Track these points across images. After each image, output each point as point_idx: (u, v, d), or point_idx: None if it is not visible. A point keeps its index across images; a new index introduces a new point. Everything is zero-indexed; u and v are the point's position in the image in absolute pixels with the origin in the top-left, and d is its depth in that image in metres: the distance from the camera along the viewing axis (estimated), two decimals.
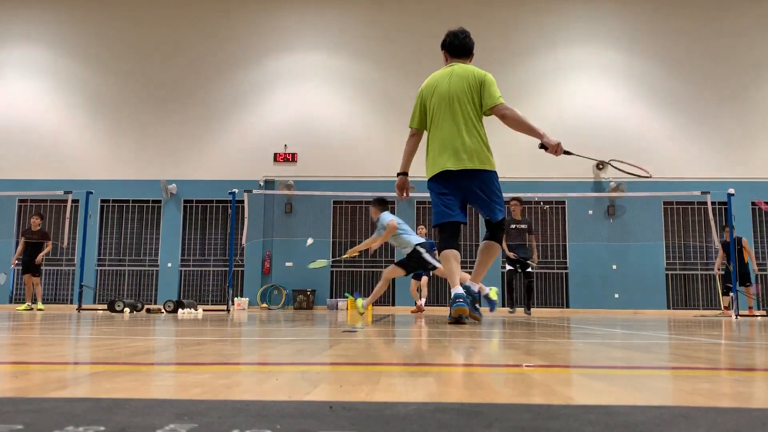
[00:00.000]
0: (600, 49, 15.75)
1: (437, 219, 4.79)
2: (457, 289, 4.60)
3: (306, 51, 16.08)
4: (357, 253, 8.35)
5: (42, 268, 12.30)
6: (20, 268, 12.04)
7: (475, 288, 5.06)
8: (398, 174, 5.12)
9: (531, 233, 10.98)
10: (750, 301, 12.12)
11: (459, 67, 5.17)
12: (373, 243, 8.01)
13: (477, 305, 5.00)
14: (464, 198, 4.77)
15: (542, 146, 4.76)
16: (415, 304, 12.36)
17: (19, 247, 11.80)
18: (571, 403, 1.04)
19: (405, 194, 5.14)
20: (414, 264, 7.74)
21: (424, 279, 12.28)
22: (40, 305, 11.53)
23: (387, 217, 7.78)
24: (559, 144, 4.68)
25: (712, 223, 10.45)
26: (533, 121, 4.81)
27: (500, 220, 4.82)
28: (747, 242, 12.57)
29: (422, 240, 7.86)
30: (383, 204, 7.98)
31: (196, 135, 15.78)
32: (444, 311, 13.90)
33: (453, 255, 4.73)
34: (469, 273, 5.48)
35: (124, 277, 15.34)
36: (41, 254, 11.62)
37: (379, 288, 7.79)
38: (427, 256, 7.53)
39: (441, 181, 4.74)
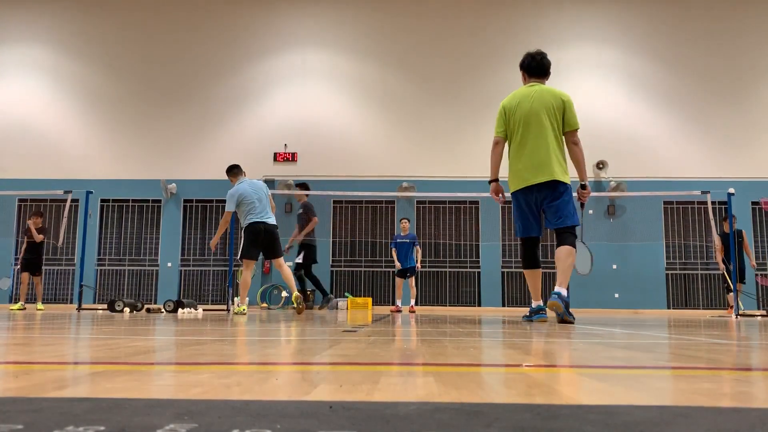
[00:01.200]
0: (600, 48, 15.75)
1: (520, 233, 5.46)
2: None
3: (306, 51, 16.08)
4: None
5: (43, 267, 12.32)
6: (18, 267, 12.07)
7: (564, 293, 5.21)
8: (490, 181, 5.59)
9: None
10: (731, 300, 10.95)
11: (541, 87, 5.59)
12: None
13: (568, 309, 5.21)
14: (540, 208, 5.33)
15: (583, 186, 5.52)
16: (394, 303, 12.62)
17: (23, 248, 11.85)
18: (571, 403, 1.04)
19: (501, 197, 5.65)
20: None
21: (411, 279, 12.36)
22: (39, 305, 11.50)
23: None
24: (589, 194, 5.62)
25: (712, 223, 10.45)
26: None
27: (568, 226, 5.28)
28: (746, 235, 12.37)
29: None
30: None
31: (196, 134, 15.78)
32: (442, 311, 13.91)
33: (531, 274, 5.48)
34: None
35: (124, 276, 15.34)
36: (33, 236, 11.57)
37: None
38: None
39: (524, 195, 5.28)
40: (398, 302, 12.52)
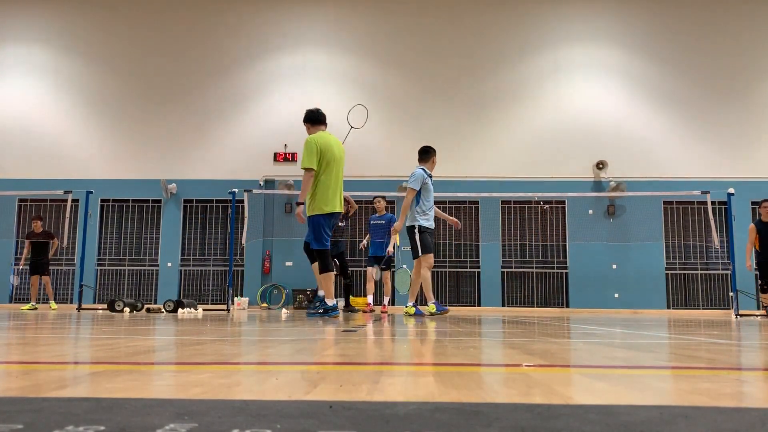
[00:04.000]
0: (600, 49, 15.74)
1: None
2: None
3: (306, 50, 16.08)
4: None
5: (50, 267, 12.41)
6: (27, 268, 12.14)
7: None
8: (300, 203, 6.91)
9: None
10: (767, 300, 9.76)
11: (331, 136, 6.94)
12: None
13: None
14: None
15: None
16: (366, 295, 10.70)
17: (25, 250, 11.87)
18: (571, 403, 1.04)
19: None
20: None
21: (387, 273, 10.48)
22: (53, 305, 11.62)
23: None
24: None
25: (712, 223, 10.44)
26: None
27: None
28: None
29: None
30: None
31: (196, 134, 15.78)
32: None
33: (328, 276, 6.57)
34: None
35: (124, 276, 15.34)
36: (52, 251, 11.76)
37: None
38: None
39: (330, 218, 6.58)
40: (369, 298, 10.49)
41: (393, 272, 10.05)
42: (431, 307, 7.46)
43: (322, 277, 6.53)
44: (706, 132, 15.34)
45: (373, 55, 16.00)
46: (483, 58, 15.62)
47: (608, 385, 1.32)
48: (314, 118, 6.86)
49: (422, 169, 7.67)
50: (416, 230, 7.59)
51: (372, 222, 10.65)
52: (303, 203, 6.47)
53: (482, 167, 15.05)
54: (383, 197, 10.88)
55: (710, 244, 14.01)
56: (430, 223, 7.65)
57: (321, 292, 6.77)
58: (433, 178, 8.06)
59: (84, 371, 1.57)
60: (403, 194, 15.18)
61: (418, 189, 7.45)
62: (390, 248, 10.20)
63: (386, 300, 10.47)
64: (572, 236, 14.75)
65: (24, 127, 15.82)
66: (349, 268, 10.83)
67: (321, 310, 6.47)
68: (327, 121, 6.93)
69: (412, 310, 7.69)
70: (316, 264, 6.69)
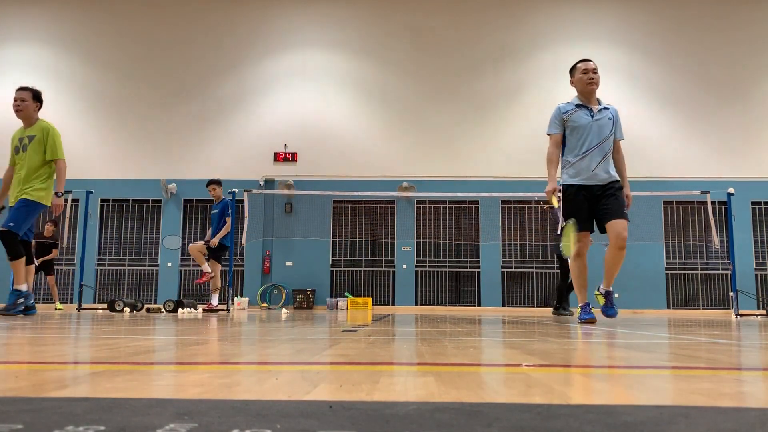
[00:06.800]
0: (600, 48, 15.74)
1: None
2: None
3: (306, 51, 16.08)
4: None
5: (57, 268, 12.44)
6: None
7: None
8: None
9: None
10: None
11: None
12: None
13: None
14: None
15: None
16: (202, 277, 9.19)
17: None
18: (571, 403, 1.04)
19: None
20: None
21: (215, 265, 9.24)
22: (58, 305, 11.62)
23: None
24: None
25: (712, 223, 10.45)
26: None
27: None
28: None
29: None
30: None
31: (196, 134, 15.78)
32: (441, 310, 13.91)
33: None
34: None
35: (124, 276, 15.34)
36: (43, 258, 11.70)
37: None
38: None
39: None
40: (213, 298, 9.30)
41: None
42: (578, 310, 5.87)
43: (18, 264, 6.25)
44: (706, 132, 15.34)
45: (373, 55, 16.00)
46: (483, 58, 15.61)
47: (608, 385, 1.32)
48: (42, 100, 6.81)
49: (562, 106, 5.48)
50: (558, 193, 5.63)
51: (214, 212, 9.59)
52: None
53: (482, 167, 15.05)
54: (218, 184, 9.62)
55: (710, 244, 14.02)
56: (579, 179, 5.50)
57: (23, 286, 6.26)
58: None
59: (84, 371, 1.57)
60: (404, 194, 15.25)
61: (555, 133, 5.44)
62: (214, 239, 9.05)
63: (214, 299, 9.26)
64: None
65: None
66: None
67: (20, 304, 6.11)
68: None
69: (602, 300, 6.06)
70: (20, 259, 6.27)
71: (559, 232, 5.80)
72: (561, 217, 5.71)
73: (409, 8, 16.12)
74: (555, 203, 5.62)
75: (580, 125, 5.32)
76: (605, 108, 5.43)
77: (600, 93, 5.55)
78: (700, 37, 15.69)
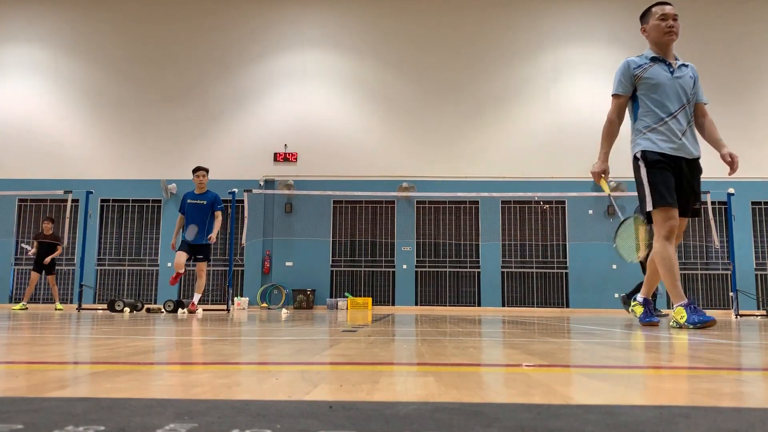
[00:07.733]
0: (600, 48, 15.74)
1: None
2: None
3: (306, 51, 16.08)
4: None
5: (57, 268, 12.44)
6: (29, 267, 12.18)
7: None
8: None
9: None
10: None
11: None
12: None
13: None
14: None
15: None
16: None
17: (33, 249, 11.90)
18: (571, 403, 1.04)
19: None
20: None
21: (203, 265, 9.03)
22: (58, 305, 11.60)
23: None
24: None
25: (711, 223, 10.45)
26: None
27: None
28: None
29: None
30: None
31: (196, 134, 15.78)
32: (441, 311, 13.91)
33: None
34: None
35: (124, 276, 15.34)
36: (50, 256, 11.69)
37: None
38: None
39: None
40: (196, 297, 8.82)
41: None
42: (678, 312, 4.61)
43: None
44: None
45: (373, 55, 16.00)
46: (483, 58, 15.61)
47: (608, 385, 1.32)
48: None
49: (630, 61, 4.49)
50: (640, 162, 4.42)
51: (189, 201, 8.81)
52: None
53: (482, 167, 15.05)
54: (205, 171, 8.83)
55: (710, 244, 14.02)
56: (665, 146, 4.34)
57: None
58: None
59: (84, 371, 1.57)
60: (404, 194, 15.24)
61: (621, 93, 4.52)
62: (212, 235, 8.54)
63: (196, 297, 8.79)
64: (572, 236, 14.75)
65: (24, 127, 15.83)
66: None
67: None
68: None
69: (640, 310, 5.03)
70: None
71: (617, 228, 4.79)
72: (616, 208, 4.99)
73: (409, 9, 16.12)
74: (606, 189, 4.71)
75: (660, 82, 4.30)
76: (684, 65, 4.49)
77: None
78: (700, 37, 15.68)
